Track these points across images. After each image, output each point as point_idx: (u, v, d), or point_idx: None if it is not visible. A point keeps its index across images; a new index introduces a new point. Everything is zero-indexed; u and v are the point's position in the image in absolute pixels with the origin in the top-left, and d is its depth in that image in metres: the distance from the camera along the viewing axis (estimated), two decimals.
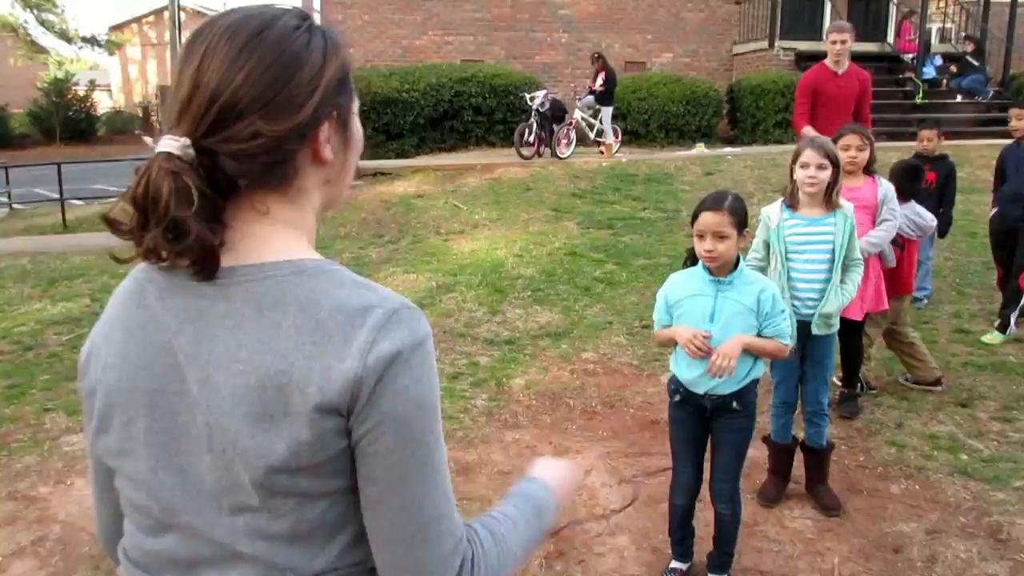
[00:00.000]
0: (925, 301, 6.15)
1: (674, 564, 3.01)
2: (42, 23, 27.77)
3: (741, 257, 2.73)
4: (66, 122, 27.13)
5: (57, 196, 11.37)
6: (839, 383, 4.49)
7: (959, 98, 14.55)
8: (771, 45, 14.86)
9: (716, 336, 2.65)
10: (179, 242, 0.83)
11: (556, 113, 12.20)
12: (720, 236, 2.58)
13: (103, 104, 34.63)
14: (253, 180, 0.88)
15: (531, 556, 3.11)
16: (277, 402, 0.83)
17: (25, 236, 10.33)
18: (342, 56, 0.94)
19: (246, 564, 0.89)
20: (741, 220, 2.62)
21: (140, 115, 35.76)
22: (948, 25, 16.64)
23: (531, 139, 11.77)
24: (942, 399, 4.53)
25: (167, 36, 26.22)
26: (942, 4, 16.54)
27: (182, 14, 18.14)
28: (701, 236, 2.62)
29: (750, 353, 2.70)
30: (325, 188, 0.98)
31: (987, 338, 5.41)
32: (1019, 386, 4.69)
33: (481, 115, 13.34)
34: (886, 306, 4.38)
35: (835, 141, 4.00)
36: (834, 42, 6.12)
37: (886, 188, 4.16)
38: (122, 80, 39.26)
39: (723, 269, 2.68)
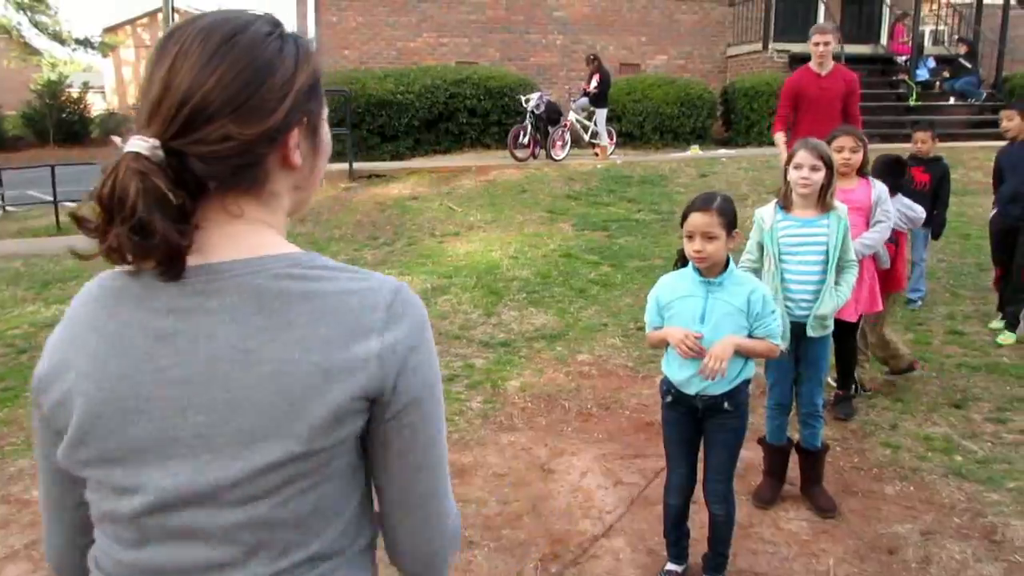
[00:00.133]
0: (919, 303, 6.17)
1: (670, 566, 3.02)
2: (35, 25, 27.65)
3: (731, 258, 2.74)
4: (59, 124, 27.03)
5: (51, 198, 11.32)
6: (834, 384, 4.50)
7: (952, 100, 14.61)
8: (765, 47, 14.89)
9: (707, 337, 2.67)
10: (144, 242, 0.83)
11: (551, 115, 12.21)
12: (709, 237, 2.60)
13: (97, 106, 34.51)
14: (223, 182, 0.89)
15: (525, 559, 3.11)
16: (294, 389, 0.86)
17: (18, 239, 10.29)
18: (313, 63, 0.96)
19: (240, 563, 0.90)
20: (730, 221, 2.63)
21: (134, 117, 35.63)
22: (941, 27, 16.70)
23: (526, 141, 11.77)
24: (936, 400, 4.54)
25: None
26: (935, 7, 16.61)
27: (176, 16, 18.12)
28: (690, 237, 2.64)
29: (741, 354, 2.71)
30: (294, 193, 1.00)
31: (1001, 339, 5.46)
32: (1013, 387, 4.71)
33: (476, 117, 13.34)
34: (880, 308, 4.39)
35: (828, 143, 4.02)
36: (816, 44, 6.16)
37: (880, 190, 4.18)
38: (116, 82, 39.13)
39: (713, 270, 2.69)
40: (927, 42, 16.06)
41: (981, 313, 5.97)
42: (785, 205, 3.43)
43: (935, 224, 6.16)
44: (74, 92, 28.98)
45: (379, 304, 0.91)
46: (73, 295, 0.98)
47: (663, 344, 2.80)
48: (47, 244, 9.54)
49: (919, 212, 4.71)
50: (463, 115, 13.20)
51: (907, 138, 6.77)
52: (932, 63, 15.15)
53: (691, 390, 2.75)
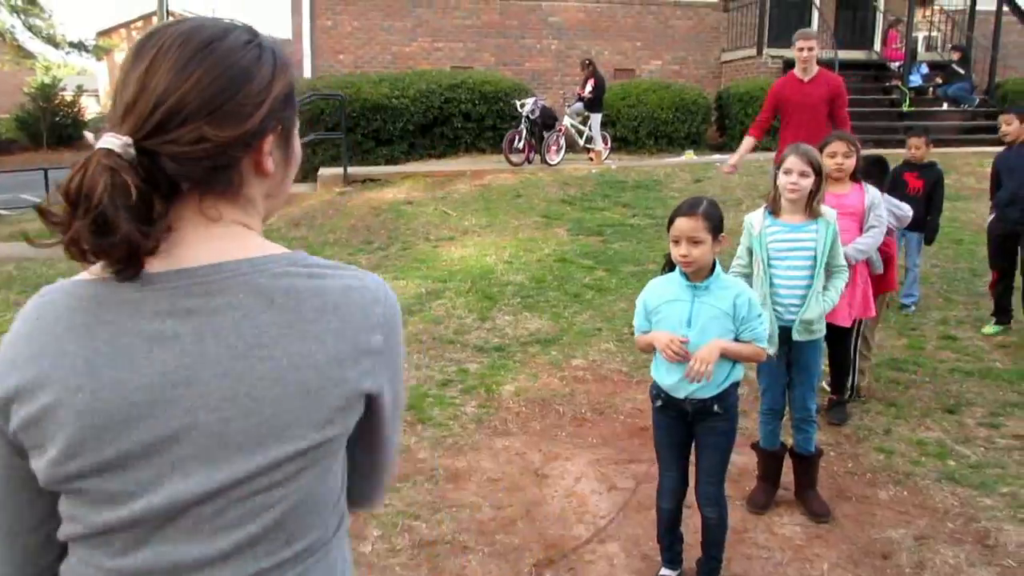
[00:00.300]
0: (913, 308, 6.19)
1: (664, 571, 3.02)
2: (29, 28, 27.58)
3: (718, 262, 2.75)
4: (53, 127, 26.94)
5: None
6: (828, 389, 4.51)
7: (945, 106, 14.66)
8: (759, 53, 14.93)
9: (693, 340, 2.68)
10: (104, 238, 0.83)
11: (546, 120, 12.22)
12: (695, 241, 2.62)
13: (91, 109, 34.45)
14: (197, 184, 0.91)
15: (519, 562, 3.11)
16: (311, 380, 0.91)
17: (11, 242, 10.24)
18: (289, 74, 0.99)
19: (241, 557, 0.91)
20: (716, 225, 2.66)
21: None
22: (934, 34, 16.77)
23: (521, 146, 11.78)
24: (929, 405, 4.55)
25: None
26: (928, 13, 16.68)
27: (170, 19, 18.11)
28: (676, 241, 2.67)
29: (728, 358, 2.72)
30: (266, 201, 1.02)
31: (985, 329, 5.63)
32: (1005, 392, 4.73)
33: (471, 122, 13.34)
34: (874, 313, 4.40)
35: (821, 149, 4.03)
36: (800, 49, 6.20)
37: (873, 195, 4.19)
38: (110, 85, 39.09)
39: (699, 274, 2.71)
40: (920, 48, 16.12)
41: (974, 318, 5.99)
42: (774, 210, 3.45)
43: (929, 229, 6.18)
44: (68, 95, 28.90)
45: (378, 300, 0.98)
46: None
47: (650, 348, 2.82)
48: (40, 248, 9.50)
49: (906, 211, 4.73)
50: (458, 120, 13.20)
51: (900, 143, 6.79)
52: (925, 69, 15.21)
53: (680, 394, 2.76)
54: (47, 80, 28.51)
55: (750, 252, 3.49)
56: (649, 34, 16.38)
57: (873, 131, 12.65)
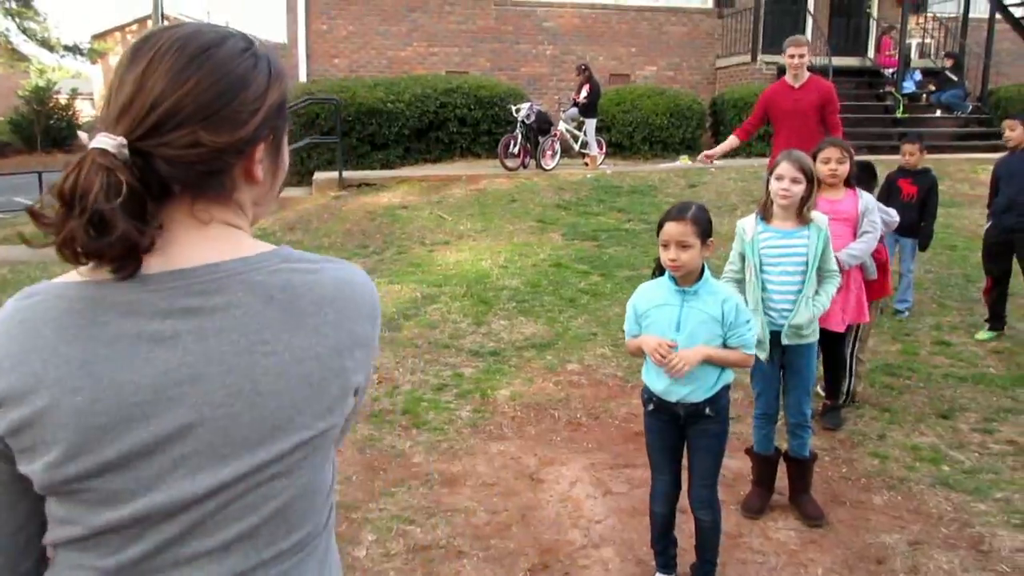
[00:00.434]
0: (906, 313, 6.21)
1: None
2: (24, 31, 27.55)
3: (707, 267, 2.76)
4: (47, 130, 26.91)
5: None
6: (822, 393, 4.51)
7: (938, 113, 14.74)
8: (753, 59, 14.99)
9: (682, 344, 2.71)
10: (102, 237, 0.83)
11: (541, 125, 12.24)
12: (683, 245, 2.64)
13: (85, 112, 34.36)
14: (189, 187, 0.92)
15: (515, 569, 3.10)
16: (314, 373, 0.94)
17: (6, 245, 10.21)
18: (283, 83, 1.00)
19: (240, 549, 0.92)
20: (705, 230, 2.68)
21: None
22: (927, 41, 16.86)
23: (516, 151, 11.79)
24: (924, 411, 4.56)
25: None
26: (921, 20, 16.77)
27: (165, 23, 18.09)
28: (665, 246, 2.69)
29: (714, 363, 2.74)
30: (253, 208, 1.03)
31: (979, 335, 5.61)
32: (999, 397, 4.74)
33: (466, 126, 13.35)
34: (867, 319, 4.41)
35: (815, 155, 4.05)
36: (791, 56, 6.23)
37: (867, 200, 4.21)
38: (104, 88, 38.99)
39: (688, 279, 2.73)
40: (914, 55, 16.21)
41: (968, 324, 6.01)
42: (765, 216, 3.46)
43: (923, 235, 6.21)
44: (62, 99, 28.85)
45: (366, 291, 1.02)
46: None
47: (640, 352, 2.83)
48: (33, 251, 9.46)
49: (894, 216, 4.74)
50: (453, 124, 13.21)
51: (894, 150, 6.83)
52: (918, 76, 15.30)
53: (672, 398, 2.78)
54: (41, 83, 28.47)
55: (742, 257, 3.50)
56: (644, 40, 16.43)
57: (867, 137, 12.70)
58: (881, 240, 4.42)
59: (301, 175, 11.87)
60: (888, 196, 6.21)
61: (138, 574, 0.90)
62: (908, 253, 6.28)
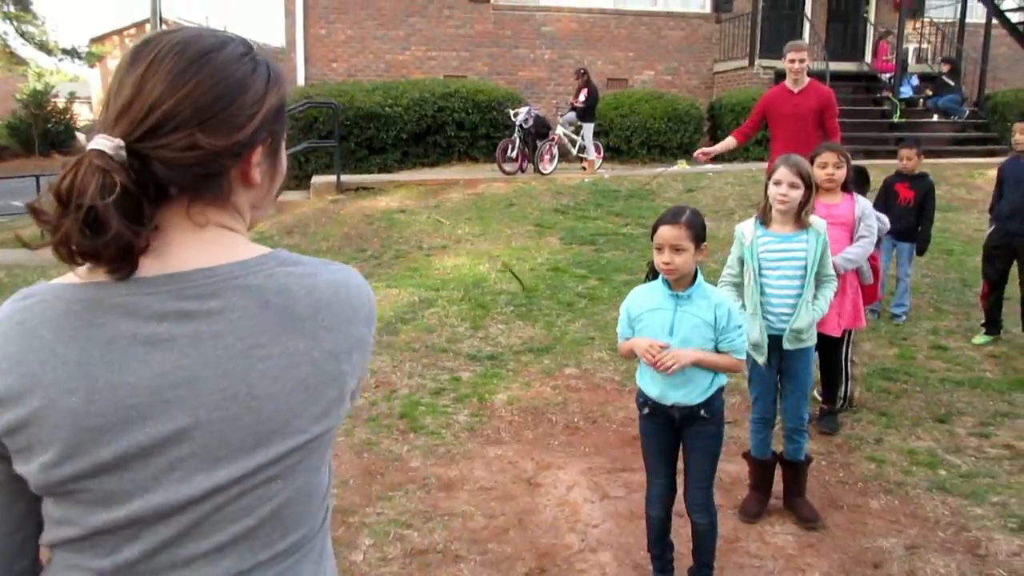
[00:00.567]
0: (903, 317, 6.22)
1: None
2: (22, 35, 27.56)
3: (700, 271, 2.77)
4: (45, 134, 26.90)
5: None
6: (819, 398, 4.52)
7: (936, 118, 14.77)
8: (751, 64, 15.01)
9: (674, 348, 2.70)
10: (96, 237, 0.84)
11: (539, 129, 12.25)
12: (677, 249, 2.66)
13: (83, 116, 34.37)
14: (186, 190, 0.92)
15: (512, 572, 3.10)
16: (309, 376, 0.94)
17: (3, 248, 10.20)
18: (281, 88, 1.01)
19: (236, 551, 0.92)
20: (698, 234, 2.69)
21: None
22: (924, 46, 16.90)
23: (514, 155, 11.80)
24: (920, 415, 4.57)
25: None
26: (918, 25, 16.81)
27: (163, 27, 18.10)
28: (659, 249, 2.70)
29: (705, 368, 2.75)
30: (250, 212, 1.03)
31: (976, 339, 5.64)
32: (996, 402, 4.75)
33: (464, 130, 13.36)
34: (864, 324, 4.42)
35: (812, 160, 4.06)
36: (792, 61, 6.22)
37: (863, 205, 4.22)
38: (102, 92, 39.01)
39: (682, 283, 2.74)
40: (911, 60, 16.25)
41: (964, 328, 6.02)
42: (765, 220, 3.47)
43: (920, 240, 6.22)
44: (60, 102, 28.85)
45: (363, 294, 1.03)
46: None
47: (632, 355, 2.85)
48: (31, 255, 9.46)
49: (885, 222, 4.75)
50: (451, 128, 13.22)
51: (891, 154, 6.85)
52: (916, 81, 15.32)
53: (667, 401, 2.78)
54: (39, 87, 28.49)
55: (741, 262, 3.51)
56: (642, 44, 16.46)
57: (864, 142, 12.73)
58: (877, 245, 4.44)
59: (299, 179, 11.87)
60: (885, 200, 6.23)
61: None
62: (905, 257, 6.29)
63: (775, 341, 3.42)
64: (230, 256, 0.94)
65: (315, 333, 0.95)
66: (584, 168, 12.48)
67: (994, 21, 14.48)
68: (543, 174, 11.78)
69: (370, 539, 3.32)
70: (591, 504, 3.64)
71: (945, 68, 15.02)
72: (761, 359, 3.42)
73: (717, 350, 2.75)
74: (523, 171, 11.89)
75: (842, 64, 15.36)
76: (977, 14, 15.57)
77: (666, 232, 2.68)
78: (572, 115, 12.71)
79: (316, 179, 11.42)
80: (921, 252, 6.33)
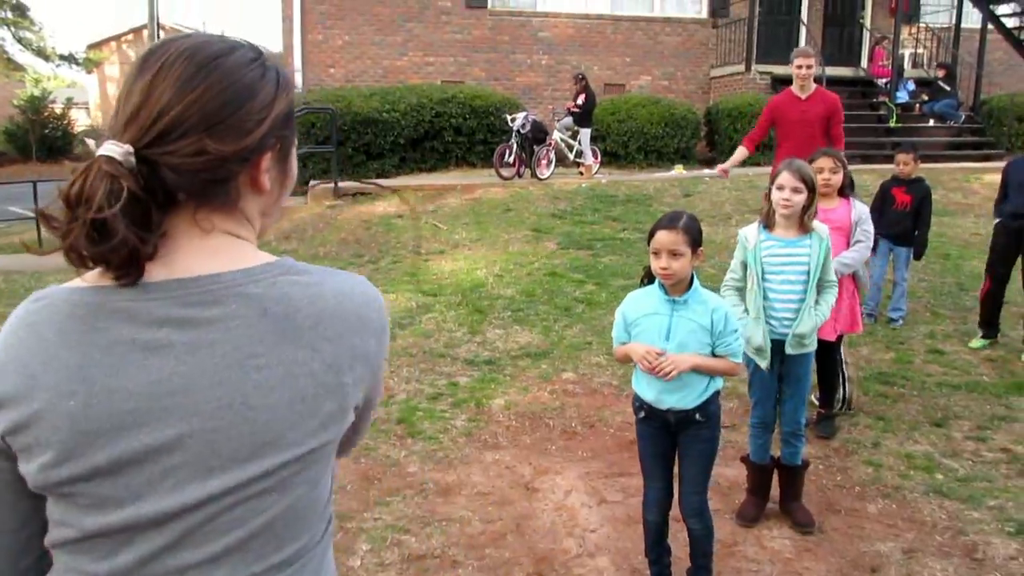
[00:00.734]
0: (900, 322, 6.23)
1: None
2: (19, 40, 27.56)
3: (696, 276, 2.78)
4: (42, 140, 26.84)
5: (32, 215, 11.22)
6: (816, 403, 4.52)
7: (931, 122, 14.82)
8: (747, 69, 15.06)
9: (671, 354, 2.71)
10: (103, 243, 0.84)
11: (536, 134, 12.27)
12: (674, 254, 2.66)
13: (80, 122, 34.36)
14: (194, 196, 0.92)
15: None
16: (307, 388, 0.92)
17: (2, 255, 10.19)
18: (291, 94, 1.01)
19: (230, 562, 0.91)
20: (695, 239, 2.69)
21: (109, 123, 35.42)
22: (920, 51, 16.96)
23: (511, 160, 11.82)
24: (917, 419, 4.58)
25: None
26: (914, 30, 16.88)
27: (161, 32, 18.11)
28: (656, 254, 2.70)
29: (702, 372, 2.75)
30: (261, 219, 1.03)
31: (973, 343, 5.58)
32: (993, 406, 4.75)
33: (461, 136, 13.38)
34: (860, 328, 4.43)
35: (808, 164, 4.07)
36: (799, 67, 6.22)
37: (860, 210, 4.23)
38: (100, 98, 39.01)
39: (678, 288, 2.74)
40: (906, 65, 16.31)
41: (961, 332, 6.03)
42: (768, 225, 3.47)
43: (917, 244, 6.23)
44: (57, 108, 28.82)
45: (371, 305, 1.00)
46: None
47: (628, 359, 2.85)
48: (28, 261, 9.46)
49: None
50: (449, 134, 13.24)
51: (888, 159, 6.85)
52: (911, 86, 15.38)
53: (662, 405, 2.78)
54: (37, 92, 28.43)
55: (744, 266, 3.51)
56: (639, 50, 16.50)
57: (860, 147, 12.75)
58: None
59: (297, 184, 11.87)
60: (882, 205, 6.25)
61: None
62: (902, 262, 6.30)
63: (777, 346, 3.43)
64: (233, 263, 0.94)
65: (315, 344, 0.93)
66: (581, 173, 12.50)
67: (989, 26, 14.56)
68: (540, 179, 11.79)
69: (368, 544, 3.32)
70: (589, 509, 3.64)
71: (941, 73, 15.07)
72: (764, 363, 3.42)
73: (714, 354, 2.75)
74: (520, 176, 11.91)
75: (838, 69, 15.41)
76: (972, 19, 15.64)
77: (663, 237, 2.68)
78: (569, 120, 12.73)
79: (313, 184, 11.43)
80: (918, 257, 6.35)
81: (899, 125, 14.46)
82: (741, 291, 3.53)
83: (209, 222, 0.94)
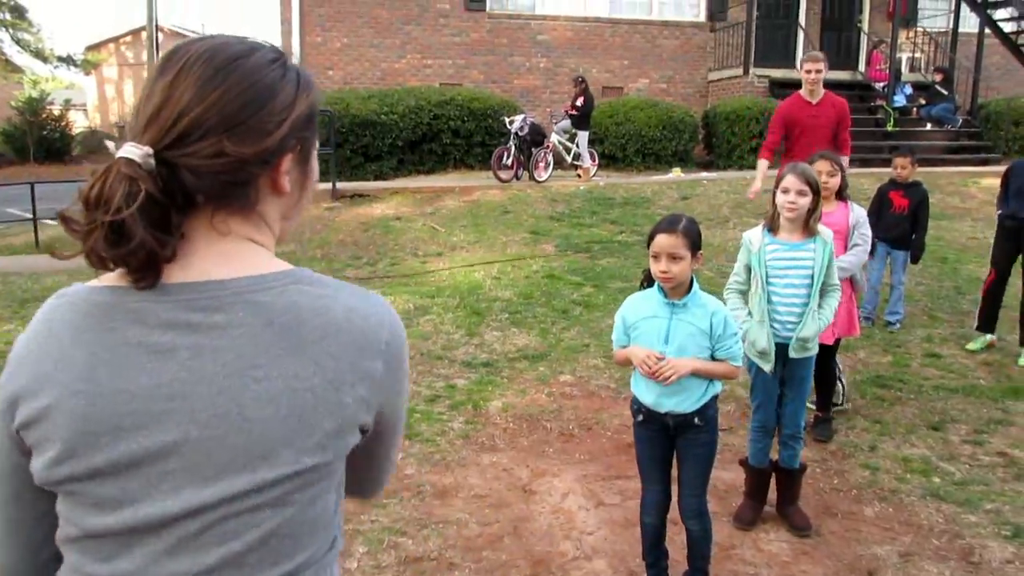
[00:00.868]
0: (897, 325, 6.24)
1: None
2: (17, 42, 27.55)
3: (695, 279, 2.78)
4: (40, 141, 26.81)
5: (30, 216, 11.22)
6: (812, 406, 4.52)
7: (929, 126, 14.86)
8: (745, 72, 15.09)
9: (670, 357, 2.71)
10: (121, 246, 0.84)
11: (534, 137, 12.28)
12: (674, 257, 2.66)
13: (78, 123, 34.34)
14: (213, 198, 0.91)
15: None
16: (305, 404, 0.90)
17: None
18: (312, 94, 0.99)
19: (227, 573, 0.90)
20: (695, 242, 2.70)
21: (116, 135, 35.50)
22: (918, 55, 17.01)
23: (509, 162, 11.83)
24: (914, 422, 4.58)
25: (144, 56, 26.13)
26: (911, 35, 16.92)
27: (159, 34, 18.10)
28: (656, 257, 2.70)
29: (701, 376, 2.75)
30: (281, 222, 1.02)
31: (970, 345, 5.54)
32: (989, 409, 4.76)
33: (459, 138, 13.39)
34: (858, 331, 4.43)
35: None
36: (808, 71, 6.19)
37: (858, 213, 4.24)
38: (98, 100, 38.99)
39: (678, 291, 2.74)
40: (904, 69, 16.35)
41: (958, 336, 6.04)
42: (772, 228, 3.47)
43: (915, 248, 6.24)
44: (55, 109, 28.80)
45: (384, 325, 0.97)
46: None
47: (627, 362, 2.85)
48: (25, 262, 9.45)
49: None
50: (447, 136, 13.25)
51: (885, 163, 6.85)
52: (909, 90, 15.42)
53: (661, 409, 2.79)
54: (35, 94, 28.41)
55: (748, 269, 3.51)
56: (637, 53, 16.53)
57: (858, 150, 12.75)
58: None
59: None
60: (879, 209, 6.26)
61: None
62: (899, 265, 6.31)
63: (779, 349, 3.43)
64: (245, 269, 0.93)
65: (319, 359, 0.91)
66: (579, 176, 12.52)
67: (987, 31, 14.59)
68: (538, 182, 11.81)
69: (364, 547, 3.31)
70: (586, 511, 3.64)
71: (938, 77, 15.12)
72: (768, 367, 3.42)
73: (713, 358, 2.75)
74: (518, 179, 11.92)
75: (836, 73, 15.41)
76: (970, 24, 15.69)
77: (663, 241, 2.68)
78: (567, 123, 12.75)
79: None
80: (916, 260, 6.36)
81: (896, 129, 14.49)
82: (744, 294, 3.54)
83: (226, 225, 0.94)
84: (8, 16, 26.72)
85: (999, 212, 5.87)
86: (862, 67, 16.61)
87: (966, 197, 10.80)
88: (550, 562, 3.24)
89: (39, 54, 27.90)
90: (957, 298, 6.98)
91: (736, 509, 3.59)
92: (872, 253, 5.61)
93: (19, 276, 8.34)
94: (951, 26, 15.77)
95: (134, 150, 0.86)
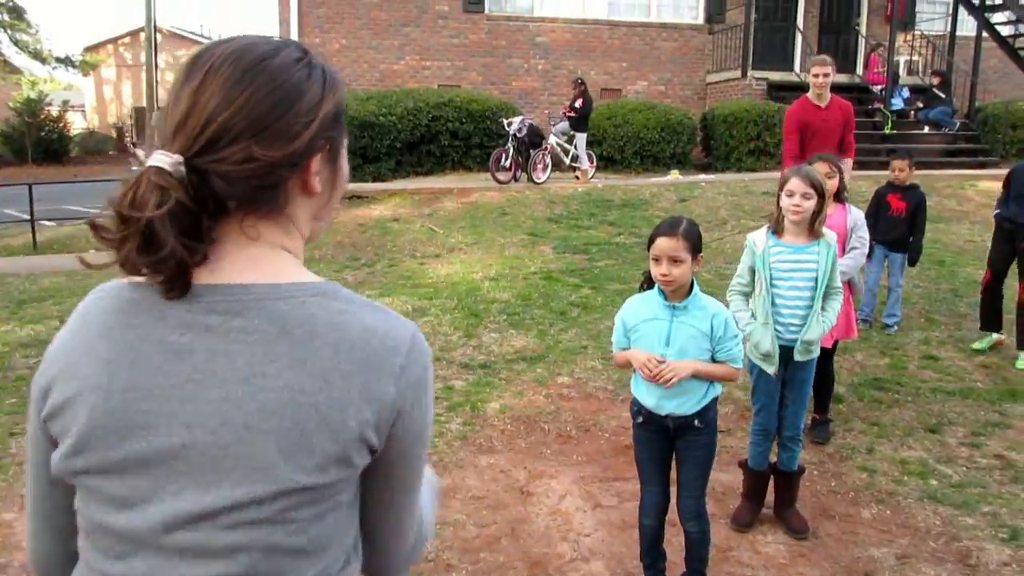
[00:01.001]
0: (895, 328, 6.24)
1: None
2: (15, 43, 27.56)
3: (696, 282, 2.78)
4: (38, 142, 26.81)
5: (28, 217, 11.21)
6: (810, 409, 4.53)
7: (926, 129, 14.89)
8: (744, 75, 15.11)
9: (671, 360, 2.72)
10: (153, 254, 0.84)
11: (533, 139, 12.29)
12: (675, 260, 2.66)
13: (77, 124, 34.35)
14: (243, 203, 0.91)
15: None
16: (311, 419, 0.87)
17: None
18: (339, 93, 0.98)
19: None
20: (695, 245, 2.70)
21: (114, 136, 35.48)
22: (915, 58, 17.04)
23: (507, 164, 11.84)
24: (912, 425, 4.58)
25: (143, 57, 26.09)
26: (909, 38, 16.95)
27: (158, 35, 18.09)
28: (657, 260, 2.70)
29: (701, 378, 2.76)
30: (311, 223, 1.01)
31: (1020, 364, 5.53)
32: (987, 412, 4.76)
33: (458, 140, 13.40)
34: (855, 334, 4.43)
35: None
36: (817, 75, 6.17)
37: (856, 216, 4.24)
38: (96, 101, 38.97)
39: (678, 294, 2.74)
40: (902, 72, 16.38)
41: (956, 338, 6.05)
42: (777, 231, 3.47)
43: (912, 250, 6.25)
44: (54, 110, 28.79)
45: (400, 349, 0.93)
46: (48, 315, 0.97)
47: (628, 365, 2.85)
48: (23, 263, 9.45)
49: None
50: (445, 138, 13.26)
51: (883, 165, 6.86)
52: (906, 93, 15.44)
53: (661, 411, 2.79)
54: (33, 95, 28.42)
55: (751, 271, 3.51)
56: (635, 55, 16.55)
57: (856, 153, 12.76)
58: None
59: None
60: (877, 211, 6.27)
61: None
62: (897, 268, 6.32)
63: (782, 352, 3.43)
64: (271, 276, 0.92)
65: (327, 376, 0.88)
66: (577, 178, 12.52)
67: (984, 34, 14.62)
68: (536, 183, 11.81)
69: None
70: (583, 513, 3.64)
71: (936, 80, 15.15)
72: (771, 369, 3.41)
73: (714, 359, 2.75)
74: (516, 180, 11.93)
75: (834, 76, 15.45)
76: (967, 27, 15.73)
77: (664, 243, 2.67)
78: (565, 124, 12.76)
79: None
80: (913, 263, 6.36)
81: (894, 132, 14.52)
82: (747, 296, 3.54)
83: (255, 230, 0.93)
84: (6, 17, 26.72)
85: (996, 212, 5.88)
86: (860, 70, 16.64)
87: (963, 200, 10.82)
88: (547, 564, 3.24)
89: (37, 55, 27.90)
90: (954, 301, 6.99)
91: (734, 511, 3.59)
92: (870, 256, 5.62)
93: (16, 277, 8.33)
94: (949, 29, 15.81)
95: (164, 158, 0.85)
